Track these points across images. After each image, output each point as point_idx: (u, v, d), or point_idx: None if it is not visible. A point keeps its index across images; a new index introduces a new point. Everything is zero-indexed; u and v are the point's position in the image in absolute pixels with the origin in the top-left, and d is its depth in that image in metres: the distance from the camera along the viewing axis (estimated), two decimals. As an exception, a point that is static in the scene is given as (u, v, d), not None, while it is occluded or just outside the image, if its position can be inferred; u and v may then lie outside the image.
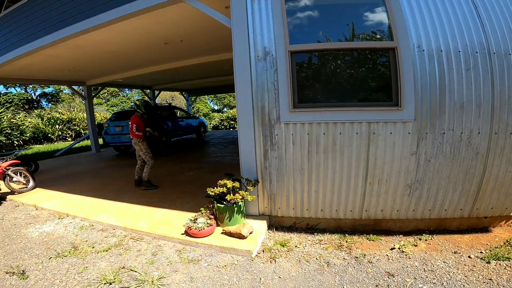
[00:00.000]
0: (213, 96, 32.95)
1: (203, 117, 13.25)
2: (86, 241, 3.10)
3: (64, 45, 5.04)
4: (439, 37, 2.67)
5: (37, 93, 27.68)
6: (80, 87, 10.89)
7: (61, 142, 16.40)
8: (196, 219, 2.93)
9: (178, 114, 10.62)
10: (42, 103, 27.49)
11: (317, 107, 2.86)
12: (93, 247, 2.92)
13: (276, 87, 2.89)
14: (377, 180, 2.95)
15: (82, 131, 17.32)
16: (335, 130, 2.85)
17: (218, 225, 3.06)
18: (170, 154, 8.47)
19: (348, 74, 2.96)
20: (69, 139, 17.04)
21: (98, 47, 5.67)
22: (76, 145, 12.64)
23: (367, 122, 2.80)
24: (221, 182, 2.96)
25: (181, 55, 7.17)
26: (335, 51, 2.92)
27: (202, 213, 3.03)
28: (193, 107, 27.03)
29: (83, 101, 10.65)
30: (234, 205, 2.94)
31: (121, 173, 6.27)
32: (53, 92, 28.05)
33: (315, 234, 3.11)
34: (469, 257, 2.50)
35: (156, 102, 13.26)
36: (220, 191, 2.88)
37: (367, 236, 2.99)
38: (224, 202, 2.99)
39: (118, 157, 8.69)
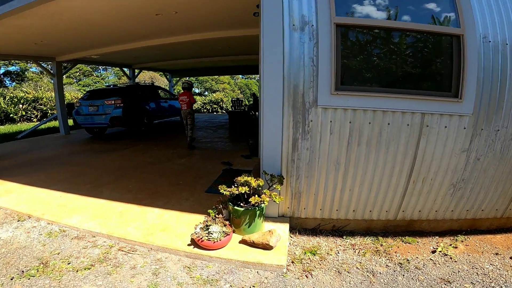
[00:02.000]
0: (194, 79, 31.29)
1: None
2: (58, 253, 2.30)
3: (33, 13, 3.95)
4: (505, 30, 2.26)
5: (1, 71, 24.53)
6: (49, 63, 9.31)
7: (25, 123, 14.47)
8: (208, 226, 2.24)
9: (161, 95, 9.52)
10: (5, 82, 24.82)
11: (365, 91, 2.25)
12: (69, 263, 2.15)
13: (315, 63, 2.23)
14: (422, 178, 2.50)
15: (49, 112, 15.39)
16: (383, 119, 2.29)
17: (233, 231, 2.40)
18: (153, 137, 7.52)
19: (402, 58, 2.39)
20: (35, 120, 15.09)
21: (75, 15, 4.60)
22: (42, 126, 11.06)
23: (420, 112, 2.30)
24: (241, 179, 2.28)
25: (173, 30, 6.15)
26: (390, 30, 2.30)
27: (213, 218, 2.35)
28: (175, 90, 25.46)
29: (52, 79, 9.14)
30: (257, 207, 2.28)
31: (97, 159, 5.29)
32: (18, 71, 25.06)
33: (344, 237, 2.64)
34: (510, 258, 2.32)
35: (137, 81, 11.88)
36: (242, 191, 2.19)
37: (401, 238, 2.64)
38: (242, 204, 2.33)
39: (92, 140, 7.54)
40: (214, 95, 22.87)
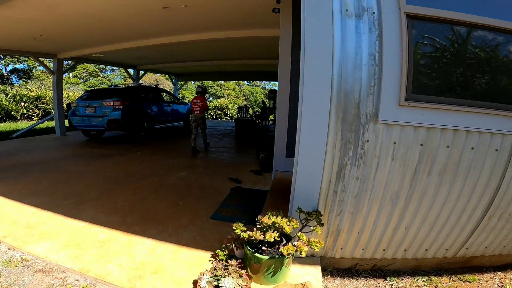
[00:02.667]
0: (199, 83, 30.93)
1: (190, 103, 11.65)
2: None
3: (23, 2, 3.41)
4: None
5: (8, 68, 24.37)
6: (51, 60, 8.80)
7: (26, 121, 13.99)
8: (218, 278, 1.57)
9: (165, 99, 8.92)
10: (12, 79, 24.64)
11: (447, 103, 1.60)
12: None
13: (377, 62, 1.61)
14: (499, 213, 1.91)
15: (52, 111, 14.91)
16: (466, 142, 1.65)
17: (248, 276, 1.72)
18: (153, 144, 6.87)
19: (494, 65, 1.75)
20: (36, 118, 14.61)
21: (75, 8, 4.11)
22: (40, 125, 10.49)
23: (515, 135, 1.63)
24: (266, 220, 1.61)
25: (181, 27, 5.62)
26: (478, 28, 1.66)
27: (225, 266, 1.68)
28: (179, 94, 25.02)
29: (52, 77, 8.60)
30: (286, 256, 1.61)
31: (88, 167, 4.64)
32: (26, 68, 24.93)
33: (387, 278, 2.05)
34: None
35: (140, 82, 11.34)
36: (269, 239, 1.53)
37: (459, 276, 2.14)
38: (265, 248, 1.66)
39: (87, 144, 6.91)
40: (219, 101, 22.38)
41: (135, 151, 5.98)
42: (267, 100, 11.15)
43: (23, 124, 11.95)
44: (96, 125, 6.57)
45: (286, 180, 3.32)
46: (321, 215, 1.76)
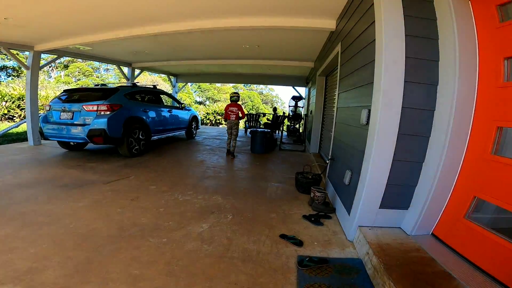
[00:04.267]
0: (196, 86, 29.18)
1: (193, 108, 9.93)
2: None
3: None
4: None
5: None
6: (26, 53, 7.04)
7: (6, 122, 12.62)
8: None
9: (165, 102, 7.24)
10: (0, 77, 23.17)
11: None
12: None
13: None
14: None
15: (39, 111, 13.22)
16: None
17: None
18: (149, 162, 5.17)
19: None
20: (17, 119, 13.15)
21: None
22: (14, 129, 8.67)
23: None
24: None
25: (200, 9, 4.03)
26: None
27: None
28: (179, 97, 23.32)
29: (27, 73, 6.85)
30: None
31: (51, 210, 2.93)
32: (15, 66, 22.96)
33: None
34: None
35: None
36: None
37: None
38: None
39: (63, 159, 5.16)
40: (219, 105, 20.69)
41: (126, 175, 4.29)
42: (279, 109, 9.56)
43: (3, 126, 10.17)
44: (73, 136, 4.84)
45: (405, 251, 1.86)
46: None
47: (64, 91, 5.55)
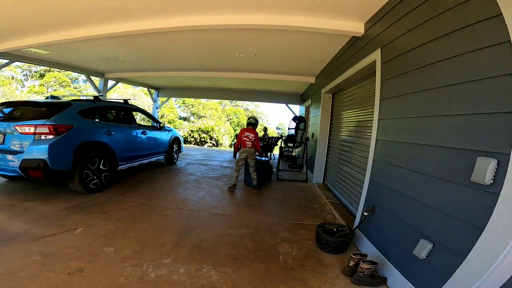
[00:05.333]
0: (181, 101, 27.82)
1: (174, 128, 8.58)
2: None
3: None
4: None
5: None
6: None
7: None
8: None
9: (137, 121, 5.90)
10: None
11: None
12: None
13: None
14: None
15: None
16: None
17: None
18: (110, 205, 3.78)
19: None
20: None
21: None
22: None
23: None
24: None
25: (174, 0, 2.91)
26: None
27: None
28: (160, 112, 21.74)
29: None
30: None
31: None
32: None
33: None
34: None
35: (108, 97, 8.17)
36: None
37: None
38: None
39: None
40: (204, 122, 19.37)
41: (71, 226, 2.89)
42: (280, 132, 8.44)
43: None
44: (3, 168, 3.39)
45: None
46: None
47: (1, 104, 4.10)
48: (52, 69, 25.36)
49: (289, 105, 10.83)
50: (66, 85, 26.22)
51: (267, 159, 5.44)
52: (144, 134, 5.36)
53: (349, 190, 4.31)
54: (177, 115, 26.26)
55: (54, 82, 25.87)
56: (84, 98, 4.79)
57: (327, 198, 4.75)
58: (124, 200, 3.95)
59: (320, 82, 6.35)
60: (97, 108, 4.33)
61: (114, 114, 4.94)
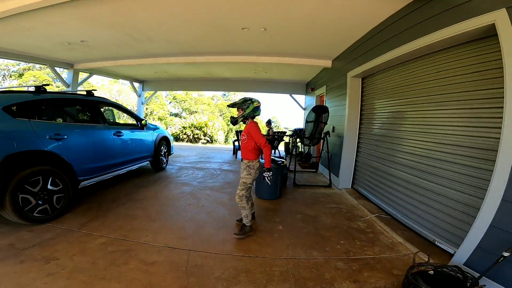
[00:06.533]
0: (172, 97, 26.15)
1: (161, 126, 7.18)
2: None
3: None
4: None
5: None
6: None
7: None
8: None
9: (109, 116, 4.51)
10: None
11: None
12: None
13: None
14: None
15: None
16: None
17: None
18: (59, 249, 2.45)
19: None
20: None
21: None
22: None
23: None
24: None
25: None
26: None
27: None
28: (146, 109, 19.99)
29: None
30: None
31: None
32: None
33: None
34: None
35: (43, 86, 6.65)
36: None
37: None
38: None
39: None
40: (197, 118, 17.87)
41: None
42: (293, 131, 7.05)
43: None
44: None
45: None
46: None
47: None
48: (31, 67, 23.21)
49: (293, 95, 9.55)
50: (47, 84, 24.16)
51: (282, 160, 4.12)
52: (119, 136, 3.96)
53: (404, 200, 3.13)
54: (168, 112, 24.61)
55: (34, 81, 23.88)
56: (27, 89, 3.34)
57: (370, 212, 3.53)
58: (86, 235, 2.61)
59: (342, 65, 5.08)
60: (40, 103, 2.91)
61: (72, 110, 3.53)
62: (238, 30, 4.15)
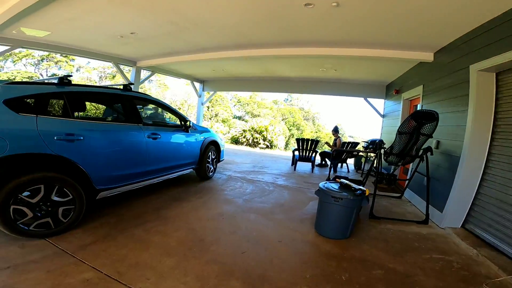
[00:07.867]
0: (236, 100, 26.61)
1: (211, 128, 6.67)
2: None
3: None
4: None
5: None
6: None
7: None
8: None
9: (145, 113, 4.04)
10: None
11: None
12: None
13: None
14: None
15: None
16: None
17: None
18: (33, 281, 1.80)
19: None
20: None
21: None
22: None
23: None
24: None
25: None
26: None
27: None
28: (211, 110, 20.57)
29: None
30: None
31: None
32: None
33: None
34: None
35: (69, 76, 6.71)
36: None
37: None
38: None
39: None
40: (258, 121, 17.37)
41: None
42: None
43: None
44: None
45: None
46: None
47: None
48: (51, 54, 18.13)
49: (368, 99, 7.86)
50: (71, 75, 26.27)
51: (363, 189, 2.82)
52: (155, 138, 3.37)
53: None
54: (232, 114, 25.03)
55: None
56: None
57: (502, 269, 1.97)
58: (75, 264, 1.95)
59: (455, 57, 3.46)
60: (58, 96, 2.46)
61: (100, 106, 3.08)
62: (299, 7, 3.09)
